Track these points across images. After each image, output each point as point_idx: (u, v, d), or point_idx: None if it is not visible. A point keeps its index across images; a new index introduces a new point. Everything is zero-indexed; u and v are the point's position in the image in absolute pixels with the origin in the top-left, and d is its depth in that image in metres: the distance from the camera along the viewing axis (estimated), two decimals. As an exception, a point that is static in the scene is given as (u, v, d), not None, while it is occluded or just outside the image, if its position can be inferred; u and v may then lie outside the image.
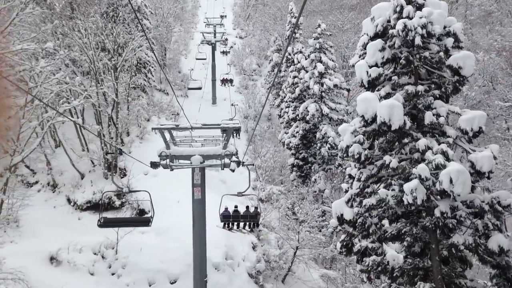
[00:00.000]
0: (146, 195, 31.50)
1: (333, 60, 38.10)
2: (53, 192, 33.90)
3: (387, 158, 12.56)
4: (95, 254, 26.69)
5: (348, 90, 38.70)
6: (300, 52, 41.03)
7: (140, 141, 38.46)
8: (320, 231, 30.78)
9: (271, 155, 40.91)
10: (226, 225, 23.37)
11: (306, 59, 38.98)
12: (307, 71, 38.73)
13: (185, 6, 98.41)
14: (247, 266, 26.81)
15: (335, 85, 36.86)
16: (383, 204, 12.91)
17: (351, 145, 13.45)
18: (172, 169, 20.22)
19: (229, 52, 60.23)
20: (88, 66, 32.71)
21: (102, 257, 26.63)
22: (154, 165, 19.58)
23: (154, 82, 52.25)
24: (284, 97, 49.45)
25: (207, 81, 59.51)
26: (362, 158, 13.24)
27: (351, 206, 14.24)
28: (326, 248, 28.72)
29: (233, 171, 21.37)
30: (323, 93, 37.46)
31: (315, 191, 35.94)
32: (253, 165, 20.69)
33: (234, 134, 20.59)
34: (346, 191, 21.43)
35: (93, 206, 32.51)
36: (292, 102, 41.11)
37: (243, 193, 18.32)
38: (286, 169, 42.16)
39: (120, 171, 34.33)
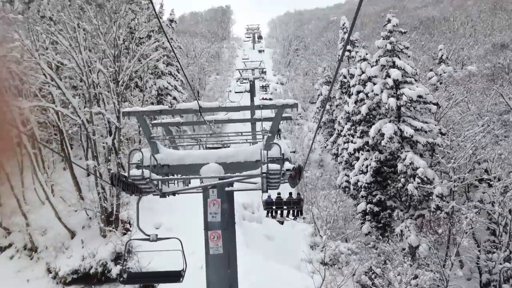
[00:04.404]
0: (153, 260, 21.14)
1: (412, 67, 27.80)
2: (31, 258, 24.19)
3: None
4: None
5: (437, 105, 27.82)
6: (364, 59, 31.07)
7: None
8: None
9: (331, 200, 29.97)
10: (270, 214, 20.51)
11: (372, 66, 28.98)
12: (375, 83, 28.56)
13: (222, 55, 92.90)
14: None
15: (419, 97, 26.37)
16: None
17: None
18: (162, 193, 10.20)
19: (268, 86, 51.42)
20: (78, 78, 23.88)
21: None
22: (120, 181, 9.39)
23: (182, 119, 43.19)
24: (341, 130, 39.39)
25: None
26: None
27: None
28: None
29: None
30: (402, 108, 26.96)
31: (404, 249, 24.48)
32: (294, 153, 11.21)
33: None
34: None
35: (82, 278, 22.47)
36: (359, 125, 30.53)
37: None
38: (352, 221, 31.08)
39: (122, 224, 24.33)
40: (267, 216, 22.64)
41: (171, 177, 10.25)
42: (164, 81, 36.72)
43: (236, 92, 49.99)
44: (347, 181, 33.45)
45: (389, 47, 27.79)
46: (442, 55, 42.11)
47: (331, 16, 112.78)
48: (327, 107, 47.11)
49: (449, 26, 69.41)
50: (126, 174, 9.53)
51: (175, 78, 41.29)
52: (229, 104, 14.19)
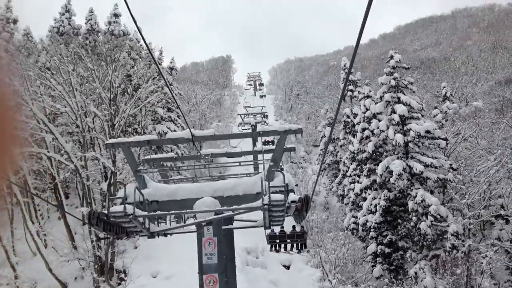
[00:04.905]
0: None
1: (417, 102, 27.04)
2: (17, 315, 22.62)
3: None
4: None
5: (446, 140, 26.78)
6: (368, 96, 30.39)
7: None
8: None
9: (340, 242, 28.55)
10: (274, 248, 19.61)
11: (376, 103, 28.26)
12: (380, 120, 27.72)
13: (223, 102, 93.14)
14: None
15: (427, 132, 25.38)
16: None
17: None
18: (150, 233, 8.99)
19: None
20: (73, 123, 23.11)
21: None
22: (100, 220, 8.22)
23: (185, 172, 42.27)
24: (346, 171, 38.29)
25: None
26: None
27: None
28: None
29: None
30: (410, 144, 25.95)
31: (420, 292, 22.82)
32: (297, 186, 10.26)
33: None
34: None
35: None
36: (365, 164, 29.46)
37: None
38: (362, 264, 29.52)
39: (117, 274, 22.84)
40: (270, 250, 22.01)
41: (158, 212, 9.07)
42: (164, 126, 35.95)
43: (239, 125, 49.55)
44: (355, 223, 32.02)
45: (393, 83, 27.12)
46: (446, 93, 41.51)
47: (331, 61, 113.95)
48: (331, 148, 46.21)
49: (450, 66, 69.59)
50: (103, 212, 8.42)
51: (175, 123, 40.62)
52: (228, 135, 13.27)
